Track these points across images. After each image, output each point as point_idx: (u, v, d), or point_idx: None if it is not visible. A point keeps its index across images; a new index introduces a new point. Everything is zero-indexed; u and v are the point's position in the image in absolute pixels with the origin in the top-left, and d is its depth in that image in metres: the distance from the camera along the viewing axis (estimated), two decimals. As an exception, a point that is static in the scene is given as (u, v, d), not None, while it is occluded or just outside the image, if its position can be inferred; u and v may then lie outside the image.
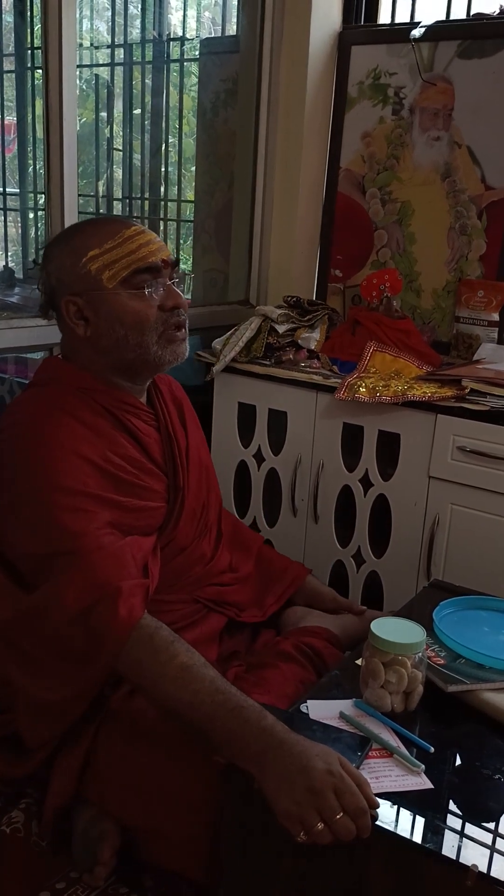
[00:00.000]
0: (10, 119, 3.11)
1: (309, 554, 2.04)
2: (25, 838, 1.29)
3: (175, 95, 2.80)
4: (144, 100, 2.88)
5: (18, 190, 3.15)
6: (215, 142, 2.59)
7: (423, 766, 1.04)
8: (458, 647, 1.24)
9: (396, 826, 0.96)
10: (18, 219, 3.20)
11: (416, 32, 2.16)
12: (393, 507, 1.90)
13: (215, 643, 1.47)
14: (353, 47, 2.30)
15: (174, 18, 2.91)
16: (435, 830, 0.95)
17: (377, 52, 2.25)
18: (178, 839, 1.17)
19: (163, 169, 2.89)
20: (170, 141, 2.86)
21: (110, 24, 2.96)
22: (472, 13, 2.18)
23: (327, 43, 2.31)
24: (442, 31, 2.15)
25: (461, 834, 0.95)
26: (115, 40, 2.93)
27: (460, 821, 0.98)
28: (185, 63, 2.79)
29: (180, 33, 2.84)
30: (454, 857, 0.91)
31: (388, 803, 0.99)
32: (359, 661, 1.21)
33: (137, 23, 2.92)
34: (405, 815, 0.98)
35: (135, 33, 2.93)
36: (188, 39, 2.80)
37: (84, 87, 3.00)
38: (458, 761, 1.09)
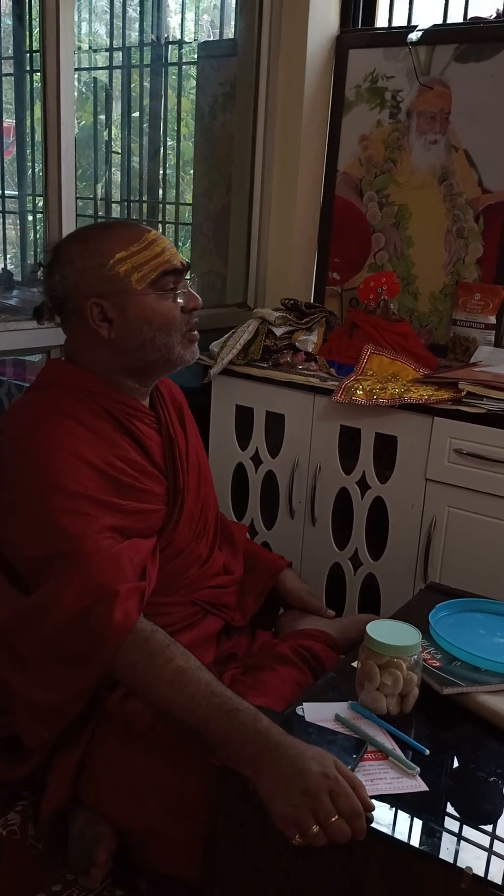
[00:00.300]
0: (9, 122, 3.12)
1: (306, 556, 2.04)
2: (21, 841, 1.29)
3: (173, 98, 2.81)
4: (143, 103, 2.89)
5: (17, 193, 3.15)
6: (213, 145, 2.59)
7: (418, 769, 1.04)
8: (453, 650, 1.23)
9: (392, 829, 0.96)
10: (17, 221, 3.21)
11: (414, 36, 2.16)
12: (390, 509, 1.91)
13: (212, 645, 1.47)
14: (350, 51, 2.30)
15: (172, 22, 2.92)
16: (430, 833, 0.95)
17: (374, 55, 2.26)
18: (173, 842, 1.17)
19: (161, 172, 2.90)
20: (168, 144, 2.86)
21: (109, 27, 2.97)
22: (468, 17, 2.19)
23: (325, 46, 2.32)
24: (439, 34, 2.15)
25: (457, 836, 0.95)
26: (114, 44, 2.94)
27: (456, 823, 0.97)
28: (183, 66, 2.80)
29: (178, 37, 2.85)
30: (449, 860, 0.91)
31: (384, 806, 0.98)
32: (355, 664, 1.21)
33: (136, 26, 2.93)
34: (401, 817, 0.98)
35: (133, 37, 2.93)
36: (186, 43, 2.81)
37: (83, 90, 3.01)
38: (454, 764, 1.09)
